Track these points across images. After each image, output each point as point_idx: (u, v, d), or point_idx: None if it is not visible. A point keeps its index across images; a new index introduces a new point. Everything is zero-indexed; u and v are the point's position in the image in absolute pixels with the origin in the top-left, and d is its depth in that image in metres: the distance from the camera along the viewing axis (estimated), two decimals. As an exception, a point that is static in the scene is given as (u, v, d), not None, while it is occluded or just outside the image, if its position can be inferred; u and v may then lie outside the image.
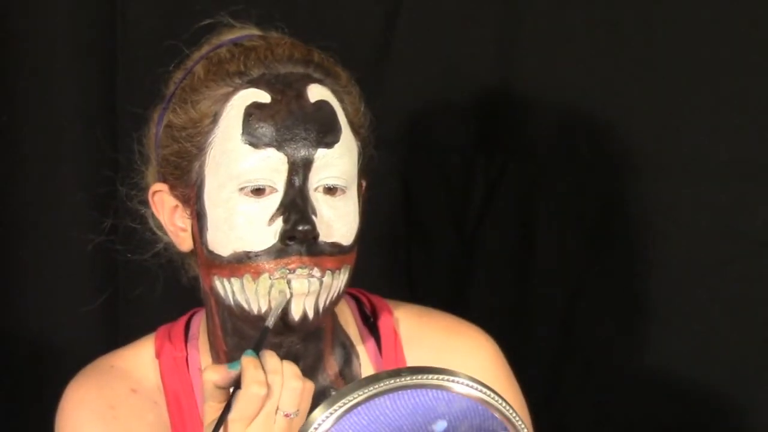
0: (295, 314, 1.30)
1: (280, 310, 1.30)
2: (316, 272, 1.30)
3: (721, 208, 1.80)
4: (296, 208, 1.29)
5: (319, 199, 1.31)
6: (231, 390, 1.24)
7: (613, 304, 1.85)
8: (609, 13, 1.81)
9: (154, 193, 1.38)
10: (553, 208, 1.85)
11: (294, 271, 1.30)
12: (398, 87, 1.83)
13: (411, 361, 1.42)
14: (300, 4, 1.80)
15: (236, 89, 1.32)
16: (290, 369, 1.25)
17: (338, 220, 1.32)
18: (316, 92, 1.33)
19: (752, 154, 1.80)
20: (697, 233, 1.81)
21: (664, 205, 1.81)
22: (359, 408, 1.12)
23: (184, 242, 1.37)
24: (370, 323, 1.45)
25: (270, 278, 1.30)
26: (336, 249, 1.32)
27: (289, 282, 1.29)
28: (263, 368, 1.24)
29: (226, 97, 1.32)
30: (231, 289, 1.32)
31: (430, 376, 1.13)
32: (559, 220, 1.85)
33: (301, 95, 1.32)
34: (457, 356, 1.42)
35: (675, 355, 1.83)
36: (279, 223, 1.30)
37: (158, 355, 1.41)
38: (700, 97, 1.80)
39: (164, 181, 1.37)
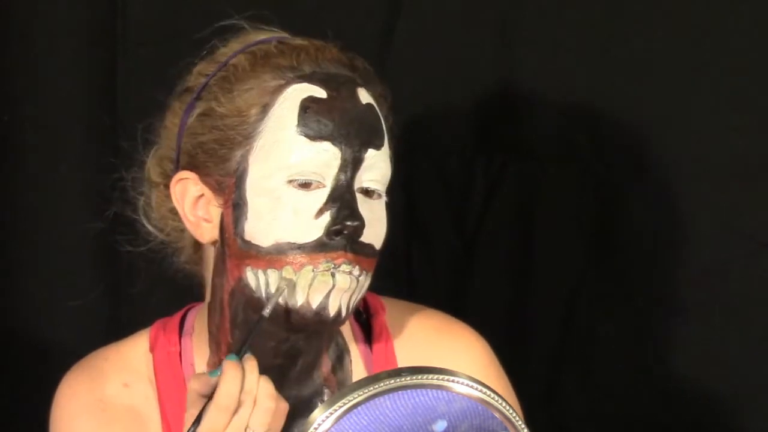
0: (332, 309, 1.31)
1: (275, 300, 1.30)
2: (357, 271, 1.31)
3: (721, 208, 1.80)
4: (346, 203, 1.31)
5: (360, 200, 1.32)
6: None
7: (613, 304, 1.85)
8: (609, 13, 1.81)
9: (179, 181, 1.37)
10: (553, 208, 1.85)
11: (339, 266, 1.30)
12: (398, 87, 1.83)
13: (401, 358, 1.43)
14: (300, 4, 1.80)
15: (288, 83, 1.33)
16: (265, 388, 1.25)
17: (375, 222, 1.33)
18: (365, 95, 1.36)
19: (752, 154, 1.80)
20: (697, 233, 1.81)
21: (664, 205, 1.81)
22: (359, 408, 1.12)
23: (205, 233, 1.37)
24: (362, 320, 1.45)
25: (313, 271, 1.30)
26: (371, 251, 1.33)
27: (333, 276, 1.30)
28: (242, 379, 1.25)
29: (278, 90, 1.33)
30: (266, 281, 1.32)
31: (430, 376, 1.13)
32: (559, 219, 1.85)
33: (354, 95, 1.34)
34: (447, 354, 1.42)
35: (675, 355, 1.82)
36: (326, 217, 1.30)
37: (152, 349, 1.42)
38: (700, 96, 1.80)
39: (192, 169, 1.37)
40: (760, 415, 1.82)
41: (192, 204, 1.37)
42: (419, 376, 1.13)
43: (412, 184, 1.86)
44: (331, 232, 1.30)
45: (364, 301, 1.46)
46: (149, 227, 1.43)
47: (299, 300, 1.31)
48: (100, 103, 1.80)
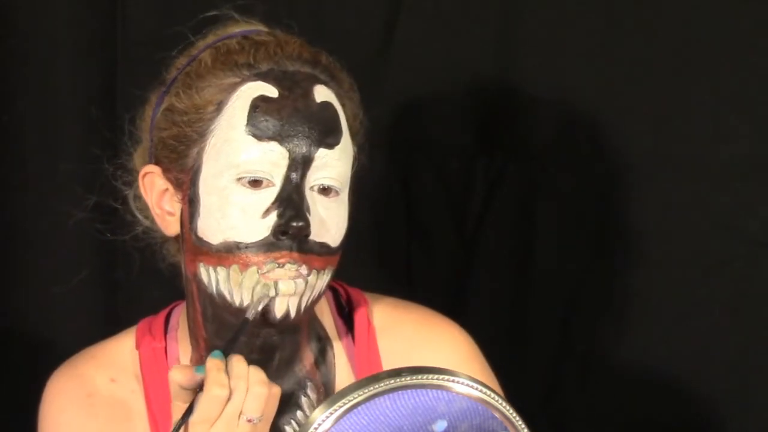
0: (278, 312, 1.31)
1: (261, 305, 1.30)
2: (304, 270, 1.31)
3: (721, 208, 1.80)
4: (292, 203, 1.30)
5: (313, 198, 1.32)
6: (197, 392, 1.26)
7: (613, 304, 1.85)
8: (609, 13, 1.81)
9: (145, 174, 1.39)
10: (553, 208, 1.85)
11: (283, 266, 1.30)
12: (398, 87, 1.83)
13: (384, 351, 1.43)
14: (300, 3, 1.80)
15: (244, 80, 1.33)
16: (256, 374, 1.27)
17: (329, 220, 1.33)
18: (322, 93, 1.34)
19: (752, 154, 1.80)
20: (697, 233, 1.81)
21: (664, 205, 1.81)
22: (359, 408, 1.12)
23: (170, 226, 1.38)
24: (345, 313, 1.45)
25: (258, 272, 1.30)
26: (324, 249, 1.32)
27: (276, 283, 1.30)
28: (228, 372, 1.26)
29: (233, 87, 1.33)
30: (216, 278, 1.32)
31: (430, 376, 1.13)
32: (559, 220, 1.85)
33: (308, 94, 1.33)
34: (430, 347, 1.43)
35: (675, 355, 1.83)
36: (273, 217, 1.30)
37: (138, 346, 1.43)
38: (699, 97, 1.80)
39: (158, 163, 1.38)
40: (760, 414, 1.82)
41: (158, 197, 1.38)
42: (419, 376, 1.13)
43: (412, 184, 1.86)
44: (276, 232, 1.30)
45: (347, 295, 1.47)
46: (136, 213, 1.44)
47: (245, 300, 1.31)
48: (100, 103, 1.80)
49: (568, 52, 1.82)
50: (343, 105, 1.36)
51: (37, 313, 1.83)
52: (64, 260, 1.82)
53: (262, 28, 1.41)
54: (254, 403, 1.25)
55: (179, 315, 1.45)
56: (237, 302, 1.32)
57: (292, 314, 1.32)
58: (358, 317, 1.45)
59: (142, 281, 1.76)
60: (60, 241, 1.81)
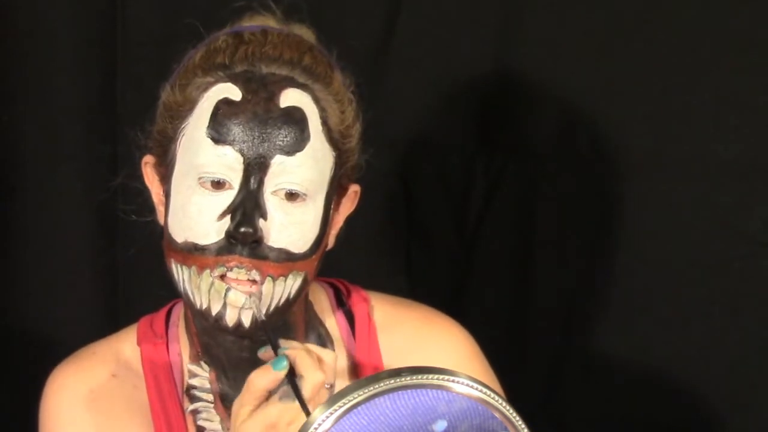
0: (229, 321, 1.30)
1: (262, 306, 1.30)
2: (255, 275, 1.29)
3: (721, 208, 1.80)
4: (243, 209, 1.29)
5: (274, 204, 1.30)
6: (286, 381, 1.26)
7: (613, 304, 1.85)
8: (609, 13, 1.81)
9: (145, 164, 1.39)
10: (553, 208, 1.85)
11: (231, 270, 1.29)
12: (398, 87, 1.83)
13: (385, 349, 1.43)
14: (300, 3, 1.80)
15: (217, 81, 1.32)
16: (314, 347, 1.28)
17: (291, 226, 1.31)
18: (291, 98, 1.32)
19: (752, 154, 1.80)
20: (697, 233, 1.81)
21: (664, 205, 1.82)
22: (359, 408, 1.12)
23: (162, 217, 1.38)
24: (345, 311, 1.45)
25: (211, 276, 1.30)
26: (283, 255, 1.30)
27: (227, 291, 1.29)
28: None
29: (206, 88, 1.32)
30: (182, 277, 1.32)
31: (430, 376, 1.12)
32: (559, 220, 1.85)
33: (272, 98, 1.31)
34: (430, 346, 1.43)
35: (675, 355, 1.83)
36: (227, 220, 1.29)
37: (140, 342, 1.43)
38: (700, 97, 1.80)
39: (153, 154, 1.38)
40: (760, 415, 1.82)
41: (158, 187, 1.38)
42: (419, 376, 1.12)
43: (412, 184, 1.86)
44: (228, 236, 1.29)
45: (348, 292, 1.47)
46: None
47: (203, 303, 1.31)
48: (100, 103, 1.80)
49: (568, 52, 1.82)
50: (322, 109, 1.33)
51: (37, 313, 1.83)
52: (64, 260, 1.82)
53: (271, 23, 1.40)
54: (331, 370, 1.27)
55: (180, 311, 1.45)
56: (197, 304, 1.31)
57: (246, 324, 1.30)
58: (359, 315, 1.45)
59: (142, 280, 1.76)
60: (60, 241, 1.81)
